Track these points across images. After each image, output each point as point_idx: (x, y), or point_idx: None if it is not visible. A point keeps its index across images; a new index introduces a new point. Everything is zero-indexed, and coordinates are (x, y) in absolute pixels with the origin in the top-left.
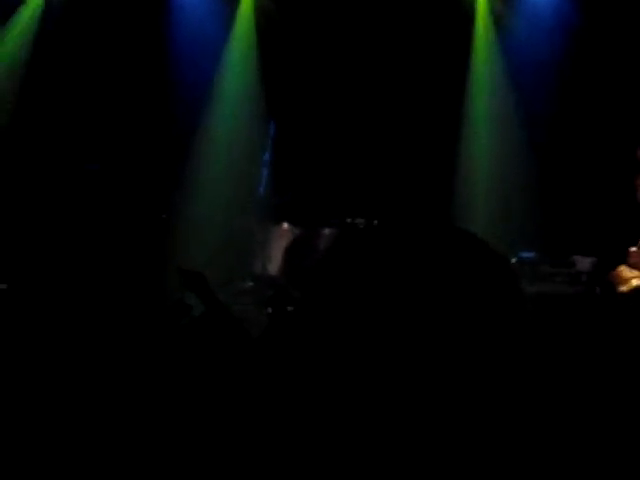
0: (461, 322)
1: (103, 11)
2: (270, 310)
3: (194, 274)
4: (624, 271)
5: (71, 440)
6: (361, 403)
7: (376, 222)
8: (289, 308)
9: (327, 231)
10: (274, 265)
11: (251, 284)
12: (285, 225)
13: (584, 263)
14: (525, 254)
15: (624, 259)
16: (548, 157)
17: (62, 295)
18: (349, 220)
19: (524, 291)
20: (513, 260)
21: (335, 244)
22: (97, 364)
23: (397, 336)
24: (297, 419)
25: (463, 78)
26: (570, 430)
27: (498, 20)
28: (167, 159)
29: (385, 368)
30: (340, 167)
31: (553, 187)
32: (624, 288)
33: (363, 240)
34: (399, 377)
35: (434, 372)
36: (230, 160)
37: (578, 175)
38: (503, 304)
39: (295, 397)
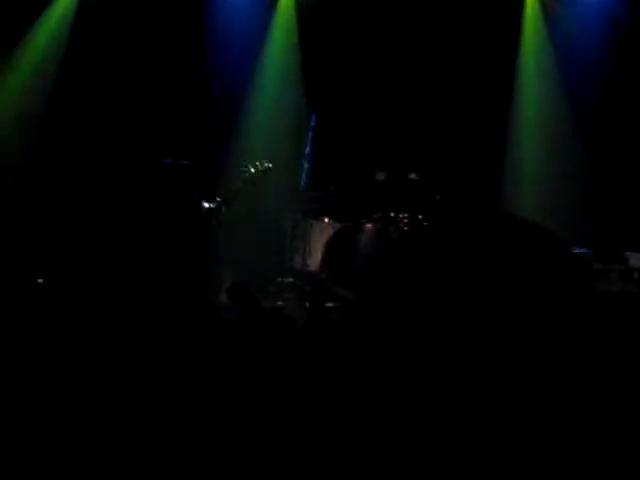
0: (535, 319)
1: (143, 4)
2: (308, 305)
3: (238, 286)
4: None
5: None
6: (426, 396)
7: (421, 216)
8: (328, 304)
9: (368, 226)
10: (315, 260)
11: (291, 280)
12: (326, 219)
13: (637, 259)
14: (578, 250)
15: None
16: (598, 152)
17: (96, 293)
18: (391, 214)
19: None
20: None
21: (398, 240)
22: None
23: (469, 333)
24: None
25: (512, 71)
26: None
27: (548, 13)
28: (209, 152)
29: (452, 364)
30: (383, 160)
31: (604, 183)
32: None
33: (428, 237)
34: (467, 372)
35: (506, 369)
36: (271, 153)
37: (629, 170)
38: (577, 301)
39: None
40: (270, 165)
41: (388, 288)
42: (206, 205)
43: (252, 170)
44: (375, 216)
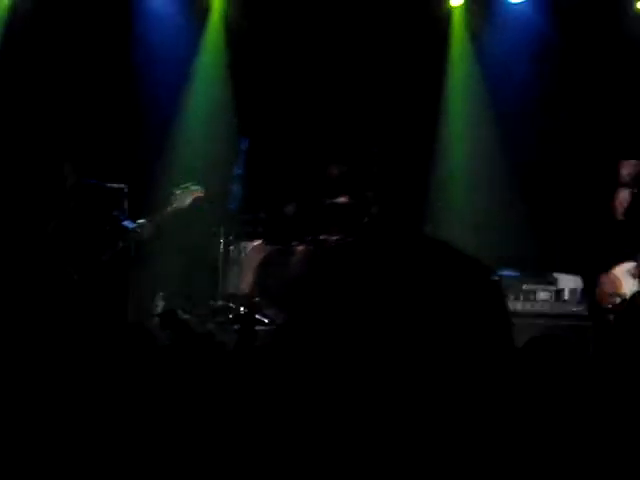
0: (447, 338)
1: (67, 27)
2: (238, 328)
3: (169, 313)
4: (601, 291)
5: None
6: (347, 416)
7: (351, 239)
8: (258, 326)
9: (300, 248)
10: (246, 283)
11: (223, 302)
12: (258, 242)
13: (566, 280)
14: (507, 272)
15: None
16: (527, 173)
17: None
18: (323, 237)
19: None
20: (494, 278)
21: (312, 261)
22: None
23: (383, 351)
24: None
25: (439, 91)
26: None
27: (474, 31)
28: (138, 175)
29: (371, 382)
30: (314, 183)
31: (533, 204)
32: (604, 305)
33: (344, 257)
34: (384, 393)
35: (420, 388)
36: (202, 176)
37: (557, 192)
38: (489, 321)
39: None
40: (199, 189)
41: (306, 310)
42: (128, 225)
43: (179, 196)
44: (306, 239)
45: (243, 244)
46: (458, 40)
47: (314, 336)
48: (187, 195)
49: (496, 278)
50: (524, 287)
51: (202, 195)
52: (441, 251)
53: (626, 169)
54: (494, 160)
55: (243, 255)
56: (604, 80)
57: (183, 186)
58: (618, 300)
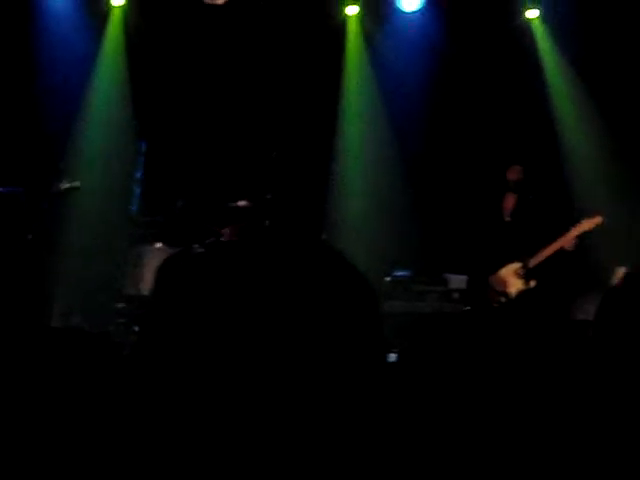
0: (315, 339)
1: None
2: (137, 329)
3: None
4: (491, 291)
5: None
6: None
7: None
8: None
9: (200, 251)
10: (147, 285)
11: (123, 305)
12: (158, 245)
13: (456, 281)
14: (399, 272)
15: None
16: (420, 176)
17: None
18: (223, 240)
19: (393, 310)
20: (387, 279)
21: (169, 264)
22: None
23: (248, 354)
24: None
25: (336, 100)
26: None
27: (369, 40)
28: (38, 178)
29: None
30: (214, 184)
31: (425, 207)
32: (495, 305)
33: (204, 259)
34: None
35: (290, 389)
36: (101, 179)
37: (450, 194)
38: (360, 325)
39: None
40: (77, 185)
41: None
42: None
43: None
44: (207, 242)
45: (143, 246)
46: (354, 47)
47: (174, 339)
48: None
49: (371, 285)
50: (415, 287)
51: (78, 190)
52: (323, 256)
53: (511, 175)
54: (388, 165)
55: (143, 258)
56: (494, 87)
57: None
58: (505, 300)
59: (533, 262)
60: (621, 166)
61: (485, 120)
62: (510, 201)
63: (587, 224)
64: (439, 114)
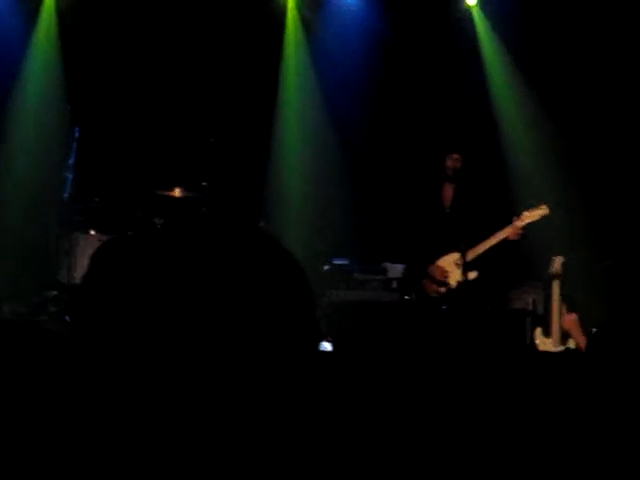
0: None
1: None
2: (69, 318)
3: None
4: (429, 281)
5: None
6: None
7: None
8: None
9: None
10: (80, 273)
11: (55, 293)
12: (92, 232)
13: (395, 270)
14: (338, 261)
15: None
16: (361, 165)
17: None
18: (158, 227)
19: (332, 298)
20: (325, 267)
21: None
22: None
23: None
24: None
25: (275, 86)
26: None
27: (307, 26)
28: None
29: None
30: (148, 171)
31: (364, 195)
32: (433, 295)
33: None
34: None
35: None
36: (34, 165)
37: (387, 182)
38: (291, 310)
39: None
40: None
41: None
42: None
43: None
44: (140, 229)
45: (76, 234)
46: (292, 34)
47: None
48: None
49: (305, 273)
50: (355, 276)
51: None
52: (257, 243)
53: (449, 163)
54: (327, 154)
55: (76, 245)
56: (433, 75)
57: None
58: (444, 290)
59: (473, 253)
60: (560, 155)
61: (424, 108)
62: (449, 190)
63: (532, 214)
64: (378, 101)
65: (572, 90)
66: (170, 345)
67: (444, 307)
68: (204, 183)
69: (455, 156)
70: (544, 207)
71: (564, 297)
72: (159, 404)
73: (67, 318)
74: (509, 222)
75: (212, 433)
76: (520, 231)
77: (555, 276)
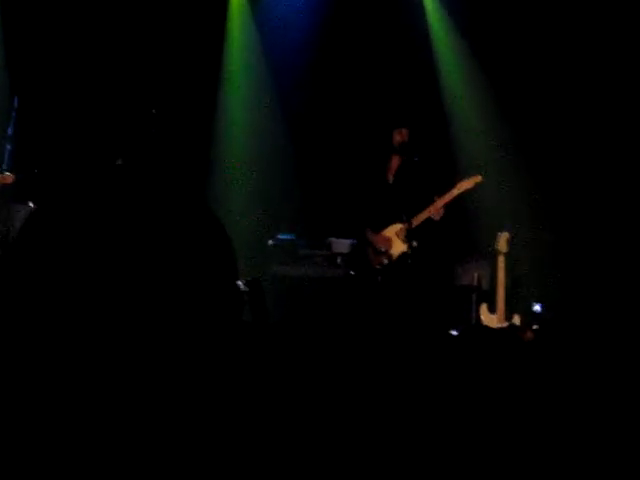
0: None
1: None
2: None
3: None
4: (371, 251)
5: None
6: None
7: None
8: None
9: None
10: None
11: None
12: (30, 203)
13: (340, 245)
14: (283, 236)
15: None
16: (307, 141)
17: None
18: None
19: (277, 273)
20: (270, 242)
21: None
22: None
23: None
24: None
25: (220, 57)
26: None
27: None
28: None
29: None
30: (88, 142)
31: (309, 170)
32: (376, 266)
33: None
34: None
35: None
36: None
37: (334, 158)
38: (214, 274)
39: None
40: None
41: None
42: None
43: None
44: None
45: (13, 205)
46: (237, 5)
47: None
48: None
49: (269, 243)
50: (300, 252)
51: (9, 182)
52: (189, 210)
53: (397, 137)
54: (272, 125)
55: (15, 216)
56: (383, 47)
57: None
58: (386, 261)
59: (415, 222)
60: (504, 131)
61: (372, 81)
62: (395, 163)
63: (467, 183)
64: (325, 74)
65: (517, 59)
66: (92, 309)
67: (379, 278)
68: (145, 154)
69: (403, 131)
70: (478, 176)
71: (508, 273)
72: (83, 364)
73: None
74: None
75: (142, 391)
76: (441, 208)
77: (500, 252)
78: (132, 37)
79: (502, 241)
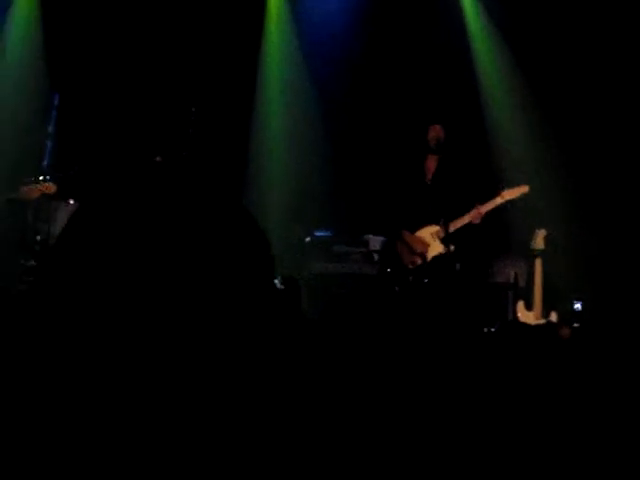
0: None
1: None
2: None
3: None
4: (407, 251)
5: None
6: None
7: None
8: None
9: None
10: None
11: (34, 262)
12: (70, 201)
13: (376, 242)
14: (320, 233)
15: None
16: (343, 139)
17: None
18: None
19: (314, 270)
20: (308, 239)
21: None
22: None
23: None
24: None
25: (257, 56)
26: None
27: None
28: None
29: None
30: (128, 139)
31: (348, 168)
32: (410, 266)
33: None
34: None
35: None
36: (13, 133)
37: (371, 156)
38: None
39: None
40: (49, 184)
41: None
42: None
43: (26, 190)
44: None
45: (55, 202)
46: (275, 4)
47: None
48: (34, 190)
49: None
50: (335, 248)
51: (52, 192)
52: (228, 213)
53: (432, 134)
54: (309, 123)
55: (56, 214)
56: (417, 46)
57: (34, 179)
58: (420, 262)
59: (453, 227)
60: (545, 129)
61: (407, 79)
62: (431, 162)
63: (513, 192)
64: (361, 72)
65: (557, 66)
66: (133, 309)
67: (425, 280)
68: (184, 153)
69: (437, 127)
70: (524, 186)
71: (545, 270)
72: (124, 361)
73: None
74: (492, 195)
75: (177, 387)
76: (483, 215)
77: (537, 249)
78: (173, 36)
79: (539, 238)
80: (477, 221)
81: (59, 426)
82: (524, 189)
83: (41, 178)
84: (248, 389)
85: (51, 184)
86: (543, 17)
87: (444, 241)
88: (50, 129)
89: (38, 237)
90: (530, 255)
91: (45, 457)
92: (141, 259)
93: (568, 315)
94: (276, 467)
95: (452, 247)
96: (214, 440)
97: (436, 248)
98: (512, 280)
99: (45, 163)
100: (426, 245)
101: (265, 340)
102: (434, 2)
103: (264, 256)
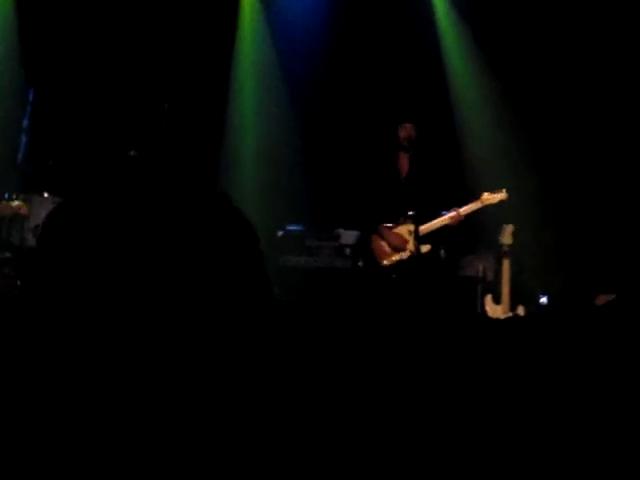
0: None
1: None
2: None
3: None
4: (384, 246)
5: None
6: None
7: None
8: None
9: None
10: (34, 235)
11: (9, 255)
12: (45, 194)
13: (348, 236)
14: (292, 227)
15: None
16: (316, 135)
17: None
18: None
19: (286, 264)
20: (280, 233)
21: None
22: None
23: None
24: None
25: (230, 49)
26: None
27: None
28: None
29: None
30: (102, 134)
31: (317, 163)
32: (385, 262)
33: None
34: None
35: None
36: None
37: (341, 150)
38: (240, 265)
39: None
40: (22, 206)
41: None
42: None
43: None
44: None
45: (29, 196)
46: (248, 3)
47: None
48: (7, 207)
49: (278, 234)
50: (307, 242)
51: (24, 213)
52: (209, 203)
53: (403, 132)
54: (281, 118)
55: (30, 207)
56: (388, 41)
57: (6, 197)
58: (396, 257)
59: (430, 227)
60: (511, 125)
61: (379, 77)
62: (404, 160)
63: (493, 198)
64: (333, 68)
65: (527, 64)
66: (122, 305)
67: (393, 276)
68: (157, 148)
69: (408, 126)
70: (503, 192)
71: (513, 265)
72: (114, 360)
73: (19, 282)
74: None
75: (169, 389)
76: (462, 219)
77: (505, 244)
78: (146, 32)
79: (507, 233)
80: (455, 224)
81: (55, 425)
82: (503, 195)
83: (14, 196)
84: (240, 382)
85: (21, 204)
86: (514, 14)
87: (417, 239)
88: (25, 123)
89: (7, 254)
90: (498, 250)
91: (45, 457)
92: (124, 253)
93: (535, 309)
94: (268, 460)
95: (426, 247)
96: (203, 426)
97: (410, 246)
98: (480, 274)
99: (20, 157)
100: (405, 241)
101: (255, 332)
102: (405, 1)
103: (251, 241)
